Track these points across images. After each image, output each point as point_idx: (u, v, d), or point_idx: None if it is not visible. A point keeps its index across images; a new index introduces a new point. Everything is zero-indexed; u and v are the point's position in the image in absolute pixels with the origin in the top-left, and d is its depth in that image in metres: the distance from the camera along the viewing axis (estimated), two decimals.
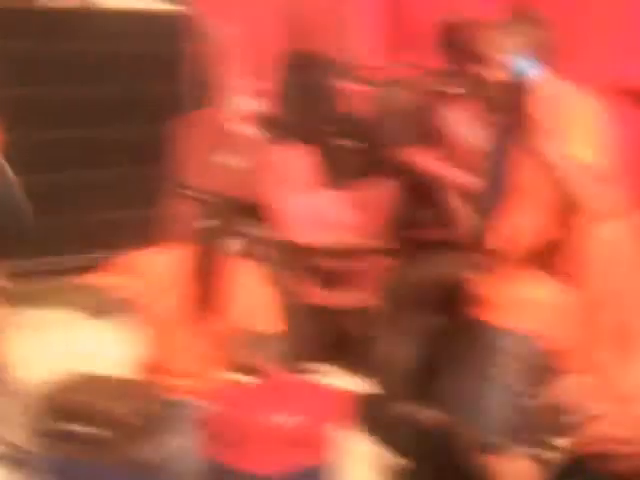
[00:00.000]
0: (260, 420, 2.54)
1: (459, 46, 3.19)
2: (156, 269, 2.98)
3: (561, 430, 2.00)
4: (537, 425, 2.13)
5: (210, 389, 2.82)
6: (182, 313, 2.94)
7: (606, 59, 3.04)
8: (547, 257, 2.44)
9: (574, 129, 2.39)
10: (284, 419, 2.55)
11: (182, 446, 2.68)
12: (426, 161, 3.33)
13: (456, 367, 2.69)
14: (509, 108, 2.48)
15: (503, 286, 2.48)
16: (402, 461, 3.05)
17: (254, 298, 2.99)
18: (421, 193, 3.39)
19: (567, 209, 2.31)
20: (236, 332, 2.93)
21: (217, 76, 4.02)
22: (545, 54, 2.48)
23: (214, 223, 2.97)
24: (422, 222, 3.36)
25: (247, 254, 3.08)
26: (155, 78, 4.00)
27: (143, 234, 3.26)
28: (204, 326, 2.95)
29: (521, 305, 2.43)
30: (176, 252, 2.97)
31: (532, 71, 2.44)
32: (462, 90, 3.19)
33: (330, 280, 3.65)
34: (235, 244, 3.03)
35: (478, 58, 2.60)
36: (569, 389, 1.97)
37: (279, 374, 2.82)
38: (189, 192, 3.19)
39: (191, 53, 4.00)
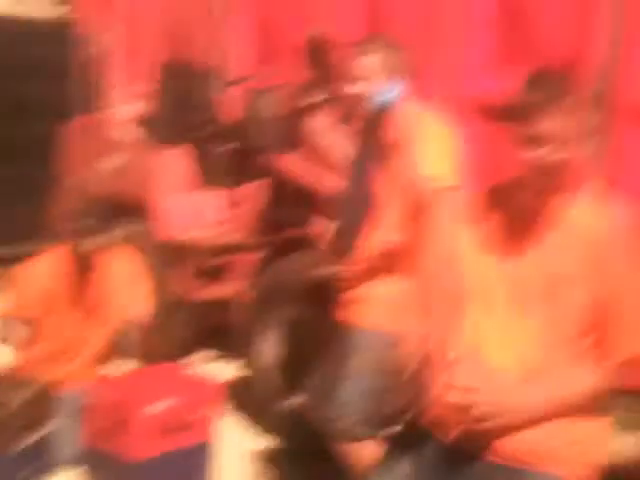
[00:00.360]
0: (133, 408, 2.63)
1: (323, 61, 3.39)
2: (37, 273, 3.09)
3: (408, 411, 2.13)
4: (390, 414, 2.25)
5: (89, 379, 2.94)
6: (64, 308, 3.05)
7: (453, 76, 3.17)
8: (402, 257, 2.58)
9: (428, 145, 2.51)
10: (157, 407, 2.64)
11: (64, 434, 2.79)
12: (292, 165, 3.49)
13: (318, 359, 2.86)
14: (369, 127, 2.63)
15: (360, 286, 2.65)
16: (272, 444, 3.20)
17: (131, 292, 3.12)
18: (288, 195, 3.55)
19: (416, 215, 2.43)
20: (113, 324, 3.06)
21: (101, 80, 4.08)
22: (401, 74, 2.61)
23: (93, 222, 3.06)
24: (290, 222, 3.52)
25: (125, 251, 3.20)
26: (43, 82, 4.04)
27: (29, 230, 3.31)
28: (84, 320, 3.07)
29: (375, 304, 2.61)
30: (56, 252, 3.07)
31: (391, 92, 2.56)
32: (325, 101, 3.35)
33: (207, 274, 3.77)
34: (112, 241, 3.13)
35: (339, 74, 2.75)
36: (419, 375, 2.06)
37: (155, 363, 2.93)
38: (71, 191, 3.28)
39: (78, 58, 4.05)
